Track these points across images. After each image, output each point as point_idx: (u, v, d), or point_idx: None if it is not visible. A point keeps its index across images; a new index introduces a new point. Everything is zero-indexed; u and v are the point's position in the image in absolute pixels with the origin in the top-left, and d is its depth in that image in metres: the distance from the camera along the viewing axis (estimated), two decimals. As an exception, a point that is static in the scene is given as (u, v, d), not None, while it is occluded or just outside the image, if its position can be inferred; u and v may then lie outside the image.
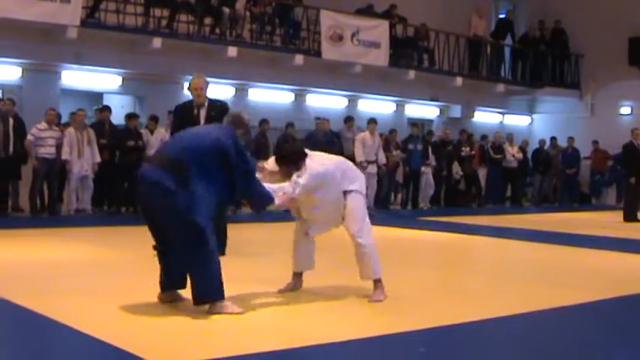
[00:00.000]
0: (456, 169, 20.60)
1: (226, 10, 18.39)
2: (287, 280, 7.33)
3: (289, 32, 19.97)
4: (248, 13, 19.15)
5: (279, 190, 6.65)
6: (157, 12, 17.70)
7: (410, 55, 22.32)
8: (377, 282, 7.20)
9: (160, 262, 6.45)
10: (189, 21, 18.07)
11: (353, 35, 20.05)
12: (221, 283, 6.15)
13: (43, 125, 14.53)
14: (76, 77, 17.62)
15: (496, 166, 21.56)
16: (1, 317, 6.21)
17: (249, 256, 9.90)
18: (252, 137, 16.79)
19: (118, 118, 16.63)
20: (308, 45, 20.14)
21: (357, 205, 7.13)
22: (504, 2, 27.51)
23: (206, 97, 9.36)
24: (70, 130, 14.79)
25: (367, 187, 16.66)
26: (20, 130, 14.61)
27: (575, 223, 16.72)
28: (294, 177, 6.70)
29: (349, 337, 5.62)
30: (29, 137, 14.43)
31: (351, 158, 17.31)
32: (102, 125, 15.59)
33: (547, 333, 6.08)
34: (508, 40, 25.40)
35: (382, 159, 17.54)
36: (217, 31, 18.49)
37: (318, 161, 6.89)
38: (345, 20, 20.12)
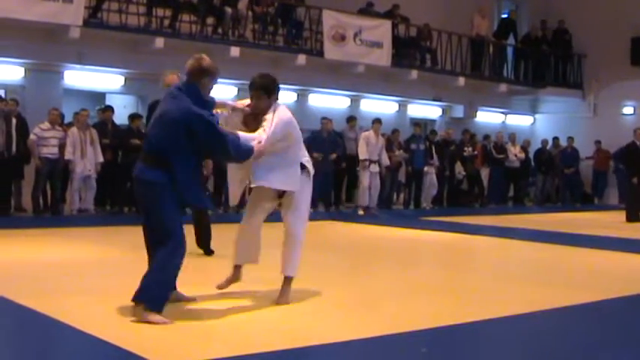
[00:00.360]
0: (459, 169, 20.59)
1: (229, 10, 18.40)
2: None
3: (292, 32, 19.97)
4: (250, 13, 19.14)
5: (250, 139, 6.37)
6: (160, 12, 17.70)
7: (412, 55, 22.30)
8: (289, 281, 6.98)
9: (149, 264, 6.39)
10: (191, 21, 18.08)
11: (355, 35, 20.04)
12: (164, 296, 6.04)
13: (46, 125, 14.54)
14: (78, 77, 17.64)
15: (498, 166, 21.55)
16: (3, 317, 6.21)
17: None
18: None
19: (120, 117, 16.64)
20: (310, 45, 20.14)
21: (305, 199, 6.93)
22: (507, 2, 27.49)
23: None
24: (73, 130, 14.80)
25: (370, 187, 16.90)
26: (23, 129, 14.62)
27: (578, 223, 16.72)
28: (263, 125, 6.48)
29: (351, 337, 5.62)
30: (32, 137, 14.45)
31: (354, 157, 17.43)
32: (104, 125, 15.59)
33: (550, 333, 6.08)
34: (510, 40, 25.37)
35: (385, 160, 17.52)
36: (220, 31, 18.50)
37: (285, 109, 6.70)
38: (348, 20, 20.11)
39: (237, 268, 7.11)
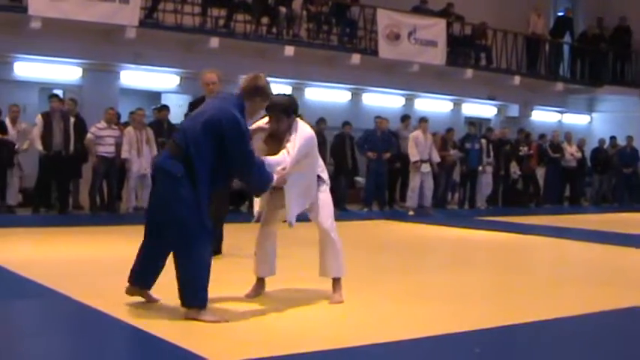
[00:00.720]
0: (514, 169, 20.43)
1: (283, 9, 18.44)
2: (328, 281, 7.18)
3: (345, 31, 19.96)
4: (305, 13, 19.18)
5: (275, 164, 6.31)
6: (215, 12, 17.82)
7: (467, 54, 22.19)
8: (338, 281, 6.99)
9: (138, 255, 6.34)
10: (246, 20, 18.15)
11: (410, 34, 19.97)
12: (205, 290, 5.93)
13: (103, 124, 14.72)
14: (134, 77, 17.83)
15: (554, 165, 21.33)
16: (62, 314, 6.28)
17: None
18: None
19: (176, 117, 16.73)
20: (365, 44, 20.12)
21: (329, 200, 6.94)
22: (562, 0, 27.21)
23: (220, 93, 9.19)
24: (130, 129, 14.95)
25: (423, 187, 16.81)
26: (81, 129, 14.81)
27: (635, 223, 16.49)
28: (286, 146, 6.43)
29: (403, 336, 5.60)
30: (89, 136, 14.64)
31: (406, 157, 17.35)
32: (160, 124, 15.71)
33: (607, 335, 6.01)
34: (567, 38, 25.11)
35: (436, 157, 17.38)
36: (274, 30, 18.55)
37: (304, 125, 6.64)
38: (402, 19, 20.05)
39: (260, 280, 7.12)
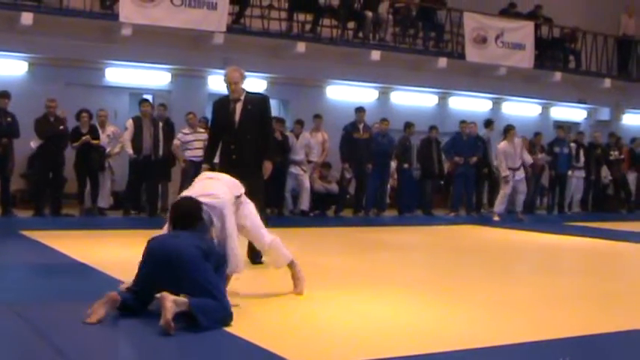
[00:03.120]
0: (605, 174, 20.06)
1: (369, 13, 18.42)
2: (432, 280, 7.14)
3: (430, 35, 19.84)
4: (391, 17, 19.13)
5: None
6: (301, 17, 17.89)
7: (556, 57, 21.85)
8: (293, 265, 7.12)
9: None
10: (332, 25, 18.17)
11: (497, 37, 19.75)
12: None
13: (188, 129, 14.89)
14: (222, 82, 17.90)
15: (646, 170, 20.87)
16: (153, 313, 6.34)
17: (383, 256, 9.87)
18: (396, 141, 16.80)
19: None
20: (451, 47, 19.97)
21: (253, 210, 6.99)
22: (655, 1, 26.60)
23: (243, 91, 8.96)
24: (217, 132, 15.06)
25: (516, 192, 16.54)
26: (170, 133, 15.02)
27: None
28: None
29: (491, 343, 5.52)
30: (175, 142, 14.83)
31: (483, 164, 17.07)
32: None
33: None
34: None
35: (528, 159, 17.07)
36: (360, 34, 18.55)
37: (214, 198, 6.39)
38: (489, 22, 19.83)
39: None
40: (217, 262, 5.97)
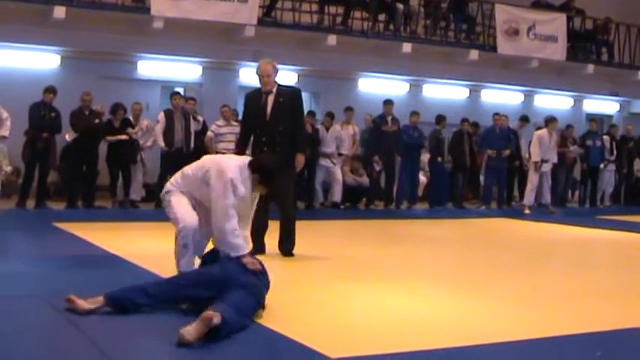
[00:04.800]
0: (637, 167, 19.89)
1: (400, 6, 18.36)
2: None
3: (462, 27, 19.74)
4: (422, 9, 19.05)
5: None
6: (332, 9, 17.87)
7: (588, 49, 21.67)
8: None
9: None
10: (363, 18, 18.13)
11: (529, 29, 19.62)
12: None
13: (221, 122, 14.90)
14: (253, 74, 17.87)
15: (680, 163, 20.65)
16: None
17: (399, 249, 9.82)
18: (427, 134, 16.75)
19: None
20: (483, 40, 19.88)
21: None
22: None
23: (275, 84, 8.90)
24: (250, 125, 15.10)
25: (542, 186, 16.44)
26: (202, 127, 15.07)
27: None
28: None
29: (521, 336, 5.47)
30: (209, 134, 14.83)
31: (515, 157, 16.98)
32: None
33: None
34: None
35: (554, 157, 16.91)
36: (391, 27, 18.49)
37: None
38: (521, 14, 19.70)
39: None
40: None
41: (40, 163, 13.69)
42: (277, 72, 8.96)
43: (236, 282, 5.60)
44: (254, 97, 9.11)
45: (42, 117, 13.54)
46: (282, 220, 8.95)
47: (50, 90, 13.67)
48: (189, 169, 6.63)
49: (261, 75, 8.91)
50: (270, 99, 8.87)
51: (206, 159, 6.71)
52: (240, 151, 9.17)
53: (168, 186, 6.68)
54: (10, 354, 4.63)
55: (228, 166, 6.25)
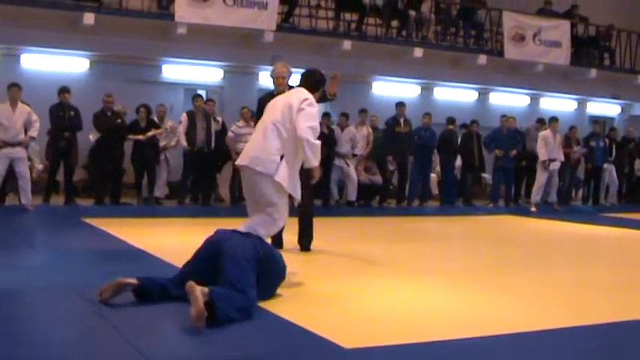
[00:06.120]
0: (638, 166, 19.79)
1: (413, 12, 18.33)
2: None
3: (471, 33, 19.69)
4: (433, 16, 19.02)
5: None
6: (347, 16, 17.87)
7: (591, 54, 21.60)
8: None
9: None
10: (377, 24, 18.11)
11: (535, 35, 19.55)
12: None
13: (241, 123, 14.90)
14: (269, 77, 17.97)
15: (680, 163, 20.53)
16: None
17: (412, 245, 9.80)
18: (438, 135, 16.74)
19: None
20: (491, 45, 19.83)
21: None
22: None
23: (287, 86, 8.68)
24: (268, 126, 15.09)
25: (549, 184, 16.40)
26: (221, 127, 15.06)
27: None
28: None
29: (521, 329, 5.45)
30: (229, 134, 14.83)
31: (532, 155, 16.94)
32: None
33: None
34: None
35: (560, 156, 16.87)
36: (404, 33, 18.46)
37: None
38: (527, 21, 19.65)
39: None
40: (269, 270, 5.85)
41: (64, 161, 13.73)
42: (291, 75, 8.88)
43: (237, 255, 5.60)
44: (266, 99, 9.03)
45: (62, 117, 13.54)
46: (300, 217, 8.94)
47: (65, 90, 13.63)
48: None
49: (275, 77, 8.83)
50: None
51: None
52: None
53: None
54: (40, 341, 4.66)
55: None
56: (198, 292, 5.03)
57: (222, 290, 5.27)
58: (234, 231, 6.02)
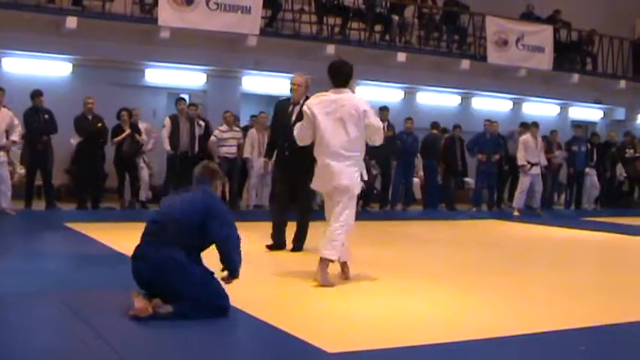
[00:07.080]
0: (620, 171, 19.88)
1: (396, 17, 18.35)
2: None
3: (454, 38, 19.73)
4: (416, 20, 19.05)
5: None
6: (330, 20, 17.86)
7: (574, 59, 21.68)
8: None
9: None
10: (360, 28, 18.13)
11: (518, 40, 19.60)
12: None
13: (224, 127, 14.87)
14: (255, 82, 17.98)
15: (661, 167, 20.62)
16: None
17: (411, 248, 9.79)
18: (421, 139, 16.77)
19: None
20: (474, 50, 19.87)
21: None
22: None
23: (303, 96, 8.97)
24: (252, 131, 15.13)
25: (532, 189, 16.45)
26: (205, 131, 15.01)
27: None
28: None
29: (508, 333, 5.44)
30: (212, 138, 14.81)
31: (515, 161, 16.99)
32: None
33: None
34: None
35: (543, 160, 16.97)
36: (387, 37, 18.47)
37: None
38: (510, 25, 19.69)
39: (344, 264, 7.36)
40: (222, 221, 5.68)
41: (40, 165, 13.56)
42: (308, 87, 9.19)
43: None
44: (282, 105, 9.53)
45: (36, 121, 13.38)
46: (298, 223, 9.34)
47: (38, 94, 13.42)
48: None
49: (292, 84, 9.23)
50: (297, 109, 9.06)
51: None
52: (267, 155, 9.92)
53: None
54: (22, 347, 4.62)
55: None
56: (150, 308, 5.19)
57: (186, 305, 5.28)
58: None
